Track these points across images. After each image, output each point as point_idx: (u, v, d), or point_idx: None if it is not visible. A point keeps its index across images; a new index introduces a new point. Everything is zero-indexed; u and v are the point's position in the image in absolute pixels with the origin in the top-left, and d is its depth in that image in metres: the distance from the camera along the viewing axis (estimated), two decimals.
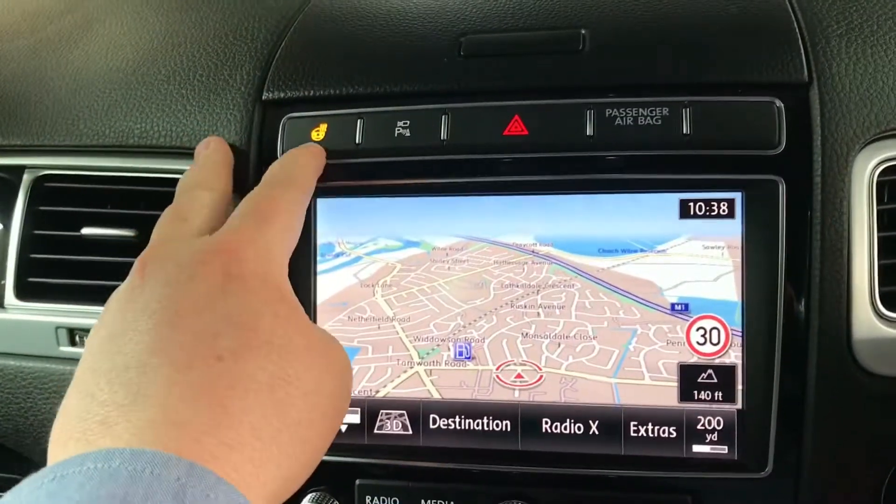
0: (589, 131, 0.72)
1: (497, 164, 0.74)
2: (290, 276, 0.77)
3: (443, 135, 0.74)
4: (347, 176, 0.76)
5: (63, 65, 0.92)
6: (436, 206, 0.76)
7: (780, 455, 0.70)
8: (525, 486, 0.74)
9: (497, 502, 0.73)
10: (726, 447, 0.72)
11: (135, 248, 0.82)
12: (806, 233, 0.70)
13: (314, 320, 0.78)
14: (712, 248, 0.72)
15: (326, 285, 0.78)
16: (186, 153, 0.81)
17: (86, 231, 0.83)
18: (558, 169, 0.73)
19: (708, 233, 0.72)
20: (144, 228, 0.82)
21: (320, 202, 0.78)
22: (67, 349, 0.84)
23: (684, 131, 0.70)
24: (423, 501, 0.75)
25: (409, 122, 0.74)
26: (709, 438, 0.72)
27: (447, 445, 0.76)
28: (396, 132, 0.75)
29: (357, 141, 0.75)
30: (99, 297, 0.82)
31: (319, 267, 0.78)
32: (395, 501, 0.75)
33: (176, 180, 0.82)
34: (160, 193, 0.83)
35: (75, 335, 0.84)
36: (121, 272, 0.82)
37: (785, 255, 0.70)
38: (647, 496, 0.72)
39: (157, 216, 0.82)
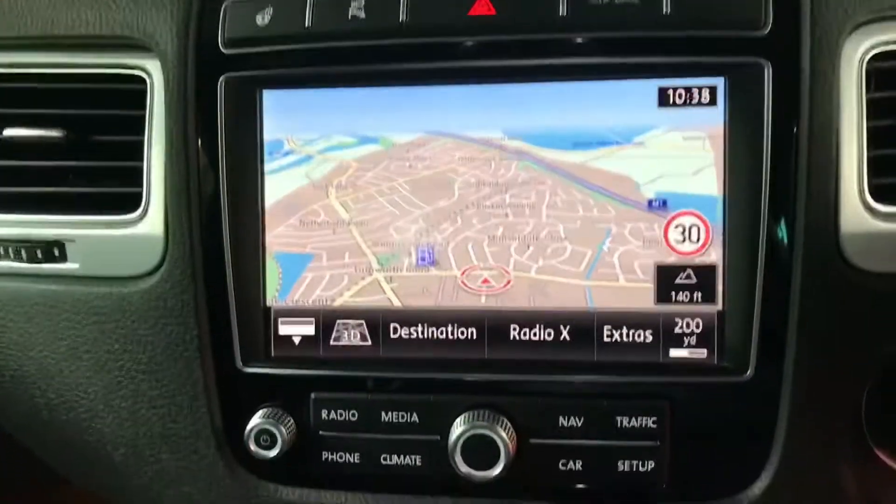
0: (562, 11, 0.65)
1: (461, 47, 0.67)
2: (234, 176, 0.71)
3: (401, 15, 0.67)
4: (296, 63, 0.69)
5: None
6: (394, 98, 0.70)
7: (762, 358, 0.66)
8: (493, 395, 0.69)
9: (463, 412, 0.68)
10: (705, 351, 0.68)
11: (62, 150, 0.75)
12: (793, 121, 0.65)
13: (262, 226, 0.71)
14: (693, 138, 0.67)
15: (275, 187, 0.71)
16: (118, 45, 0.74)
17: (7, 133, 0.75)
18: (528, 53, 0.67)
19: (688, 122, 0.67)
20: (73, 129, 0.75)
21: (267, 94, 0.71)
22: None
23: (664, 11, 0.65)
24: (384, 414, 0.70)
25: (363, 1, 0.67)
26: (687, 342, 0.68)
27: (409, 356, 0.71)
28: (350, 13, 0.67)
29: (306, 23, 0.68)
30: (23, 205, 0.75)
31: (267, 167, 0.71)
32: (353, 415, 0.70)
33: (108, 76, 0.75)
34: (90, 91, 0.75)
35: None
36: (46, 177, 0.76)
37: (770, 146, 0.65)
38: (622, 403, 0.68)
39: (87, 116, 0.75)
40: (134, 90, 0.73)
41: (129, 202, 0.73)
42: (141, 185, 0.72)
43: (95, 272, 0.74)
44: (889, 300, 0.65)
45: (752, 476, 0.68)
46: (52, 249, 0.75)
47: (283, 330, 0.72)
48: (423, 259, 0.70)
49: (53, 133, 0.75)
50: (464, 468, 0.67)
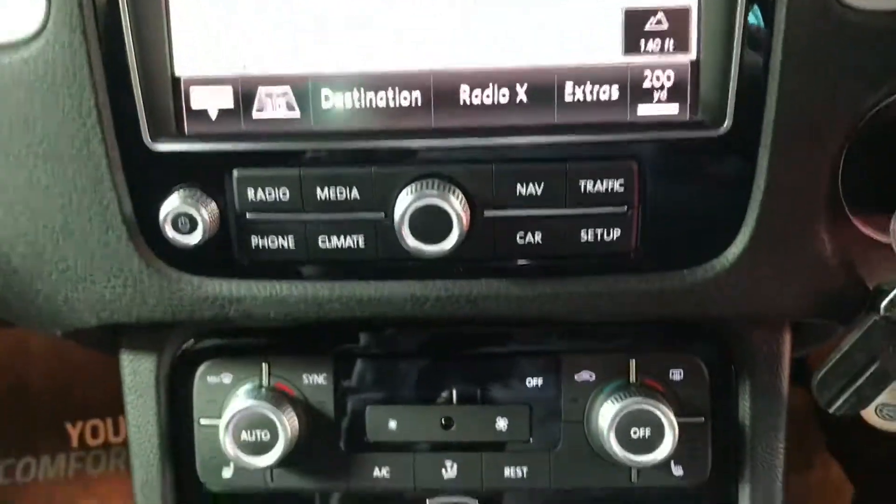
0: None
1: None
2: None
3: None
4: None
5: None
6: None
7: (740, 109, 0.59)
8: (441, 165, 0.61)
9: (409, 183, 0.61)
10: (677, 105, 0.61)
11: None
12: None
13: None
14: None
15: None
16: None
17: None
18: None
19: None
20: None
21: None
22: None
23: None
24: (319, 190, 0.62)
25: None
26: (657, 97, 0.61)
27: (344, 128, 0.62)
28: None
29: None
30: None
31: None
32: (284, 192, 0.62)
33: None
34: None
35: None
36: None
37: None
38: (585, 165, 0.61)
39: None
40: None
41: None
42: None
43: None
44: (879, 40, 0.58)
45: (726, 241, 0.63)
46: None
47: (197, 100, 0.62)
48: (357, 12, 0.60)
49: None
50: (412, 242, 0.59)
